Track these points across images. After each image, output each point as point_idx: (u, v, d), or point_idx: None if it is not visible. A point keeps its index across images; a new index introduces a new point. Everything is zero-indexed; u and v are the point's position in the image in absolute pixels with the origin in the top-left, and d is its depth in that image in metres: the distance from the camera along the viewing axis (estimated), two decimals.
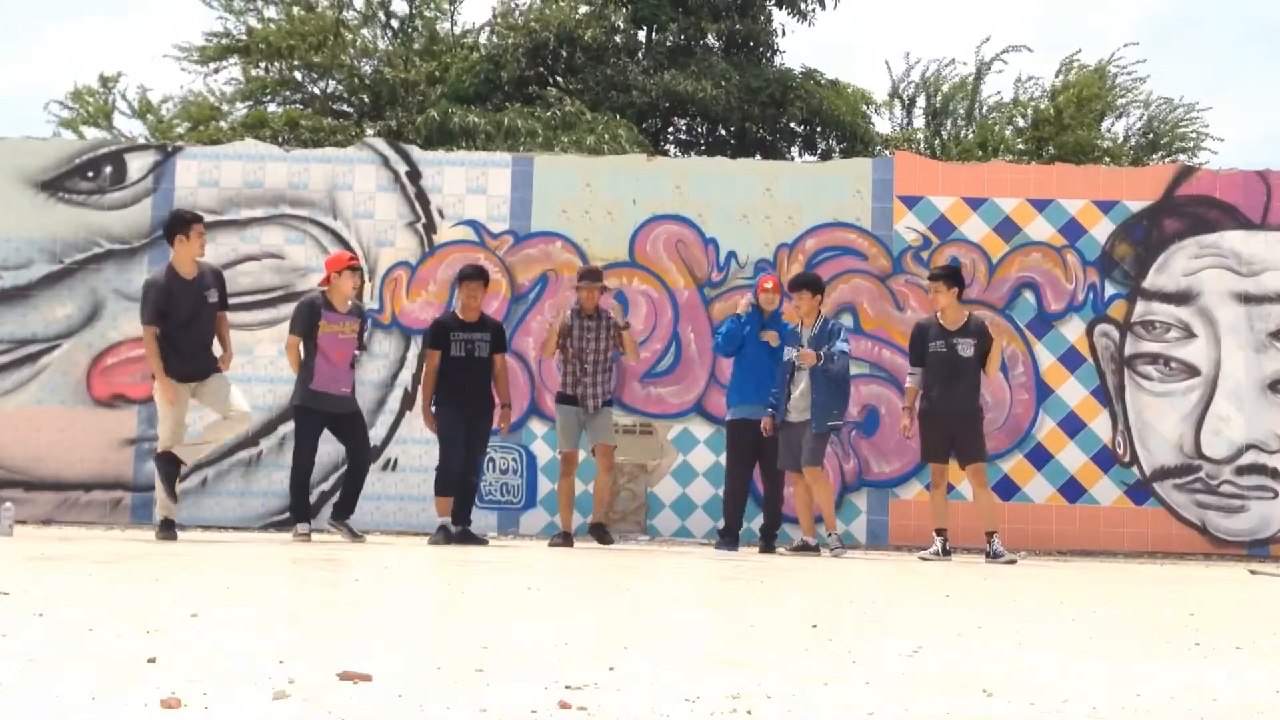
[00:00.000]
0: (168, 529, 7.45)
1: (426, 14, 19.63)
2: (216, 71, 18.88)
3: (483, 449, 8.25)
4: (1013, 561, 7.82)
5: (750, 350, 8.22)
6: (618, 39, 17.71)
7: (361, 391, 8.53)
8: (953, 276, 8.23)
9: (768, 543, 8.21)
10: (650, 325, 9.55)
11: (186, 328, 7.47)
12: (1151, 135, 18.88)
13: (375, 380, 9.36)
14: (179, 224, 7.53)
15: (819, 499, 8.07)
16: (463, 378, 8.06)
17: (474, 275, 8.20)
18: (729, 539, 8.20)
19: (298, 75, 18.57)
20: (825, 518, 8.08)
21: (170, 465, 7.46)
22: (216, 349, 7.70)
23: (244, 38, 18.50)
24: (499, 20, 18.25)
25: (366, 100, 18.15)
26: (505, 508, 9.47)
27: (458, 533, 8.10)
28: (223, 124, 18.87)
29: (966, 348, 8.00)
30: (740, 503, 8.29)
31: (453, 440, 8.05)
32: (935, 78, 19.62)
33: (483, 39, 19.17)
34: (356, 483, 7.97)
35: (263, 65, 18.30)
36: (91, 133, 20.02)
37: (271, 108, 19.05)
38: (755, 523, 8.59)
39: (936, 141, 19.06)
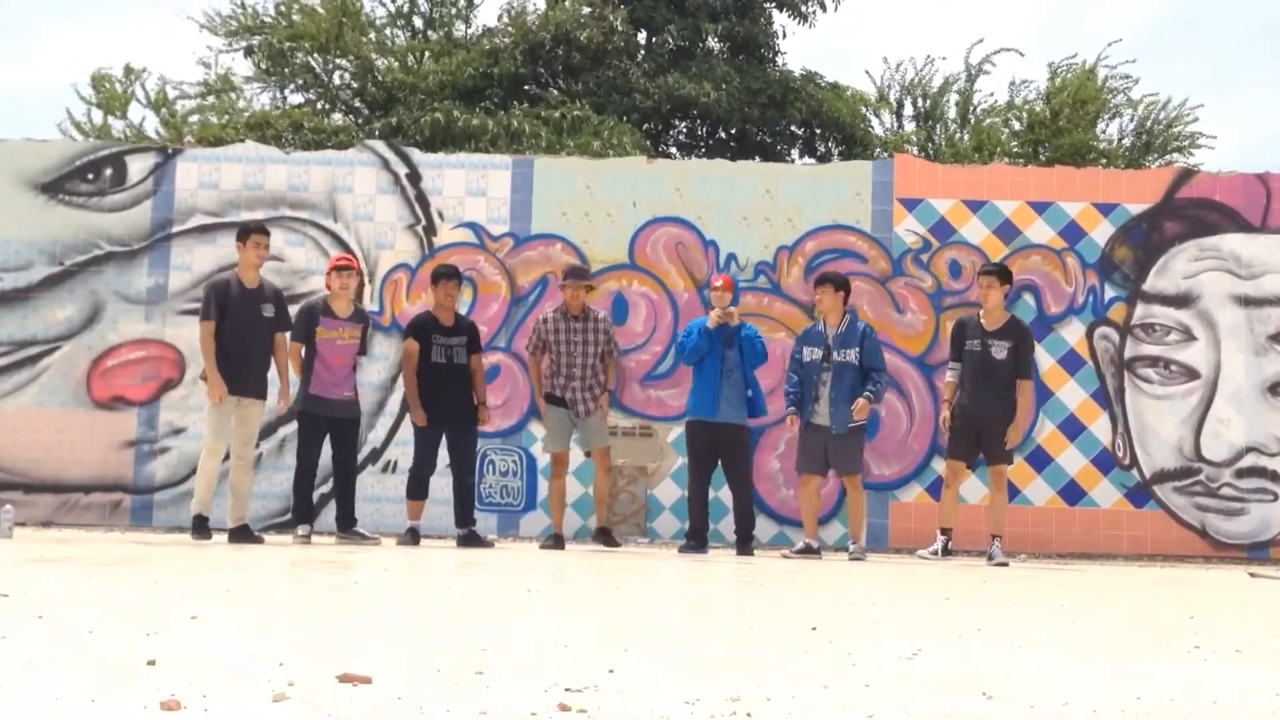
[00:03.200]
0: (202, 528, 7.69)
1: (445, 10, 19.56)
2: (234, 49, 18.68)
3: (472, 449, 8.23)
4: (1004, 564, 7.82)
5: (708, 360, 8.18)
6: (618, 41, 17.67)
7: (361, 394, 8.52)
8: (1005, 274, 8.23)
9: (744, 545, 8.15)
10: (650, 328, 9.55)
11: (240, 335, 7.70)
12: (1145, 136, 18.87)
13: (375, 382, 9.35)
14: (239, 232, 7.99)
15: (856, 508, 8.14)
16: (441, 385, 8.08)
17: (451, 274, 8.23)
18: (696, 541, 8.17)
19: (312, 63, 18.46)
20: (856, 526, 8.11)
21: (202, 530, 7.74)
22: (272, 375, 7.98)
23: (269, 17, 18.36)
24: (509, 21, 18.17)
25: (378, 94, 18.06)
26: (505, 510, 9.47)
27: (464, 535, 8.10)
28: (239, 106, 18.77)
29: (1000, 349, 7.99)
30: (703, 504, 8.27)
31: (428, 446, 8.12)
32: (920, 80, 19.59)
33: (484, 40, 19.12)
34: (347, 492, 8.01)
35: (274, 41, 18.05)
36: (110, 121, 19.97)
37: (284, 94, 18.97)
38: (724, 525, 8.61)
39: (930, 145, 19.03)
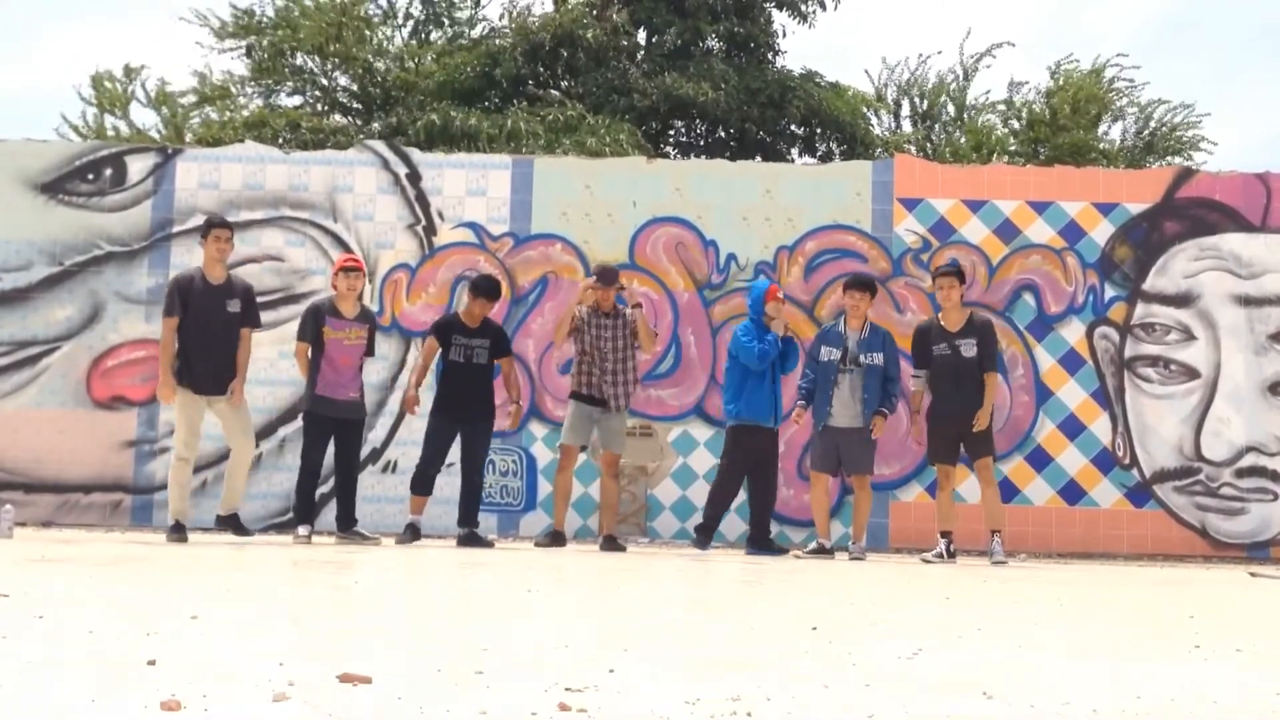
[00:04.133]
0: (178, 531, 7.55)
1: (455, 15, 19.52)
2: (229, 50, 18.57)
3: (484, 449, 8.23)
4: (1003, 563, 7.81)
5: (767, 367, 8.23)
6: (619, 41, 17.65)
7: None
8: (961, 274, 8.22)
9: (768, 544, 8.17)
10: (650, 327, 9.52)
11: (202, 331, 7.55)
12: (1148, 137, 18.87)
13: (375, 382, 9.34)
14: (203, 226, 7.85)
15: (862, 508, 8.14)
16: (460, 384, 8.06)
17: (492, 293, 8.20)
18: (706, 537, 8.16)
19: (311, 64, 18.41)
20: (859, 526, 8.12)
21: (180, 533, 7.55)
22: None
23: (265, 18, 18.28)
24: (513, 22, 18.13)
25: (376, 95, 18.02)
26: (505, 510, 9.47)
27: (464, 535, 8.10)
28: (240, 104, 18.74)
29: (969, 348, 7.98)
30: (728, 506, 8.28)
31: (438, 446, 8.11)
32: (915, 79, 19.57)
33: (485, 41, 19.08)
34: (349, 492, 8.00)
35: (274, 41, 17.96)
36: (107, 120, 19.94)
37: (281, 97, 18.95)
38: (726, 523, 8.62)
39: (928, 145, 19.03)
